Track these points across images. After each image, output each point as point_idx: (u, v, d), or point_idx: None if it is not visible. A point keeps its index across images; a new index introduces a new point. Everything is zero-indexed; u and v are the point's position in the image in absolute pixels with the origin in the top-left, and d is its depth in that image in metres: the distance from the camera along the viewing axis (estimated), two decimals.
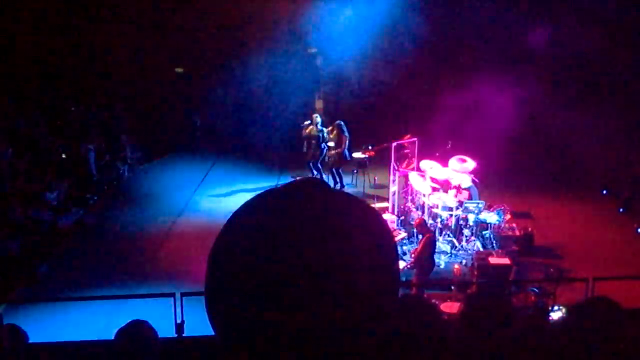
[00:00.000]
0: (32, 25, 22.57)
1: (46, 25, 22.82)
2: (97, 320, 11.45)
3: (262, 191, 1.67)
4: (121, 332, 4.06)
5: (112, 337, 4.17)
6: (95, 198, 18.67)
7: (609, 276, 11.17)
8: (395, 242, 1.69)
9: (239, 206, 1.67)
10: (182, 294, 8.06)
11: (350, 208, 1.64)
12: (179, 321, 7.82)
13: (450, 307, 12.03)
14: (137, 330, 4.04)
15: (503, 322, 3.82)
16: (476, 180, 16.20)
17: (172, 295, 8.07)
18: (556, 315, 8.41)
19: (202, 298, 1.75)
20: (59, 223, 16.80)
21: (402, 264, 14.21)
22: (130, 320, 4.13)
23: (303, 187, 1.67)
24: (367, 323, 1.54)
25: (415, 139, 17.45)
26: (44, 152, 18.99)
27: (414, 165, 16.97)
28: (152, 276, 14.41)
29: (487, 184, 17.34)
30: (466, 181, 15.94)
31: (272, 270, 1.53)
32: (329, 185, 1.69)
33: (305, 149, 20.07)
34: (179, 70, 25.23)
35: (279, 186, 1.67)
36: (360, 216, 1.63)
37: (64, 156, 18.98)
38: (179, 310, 8.03)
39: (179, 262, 15.14)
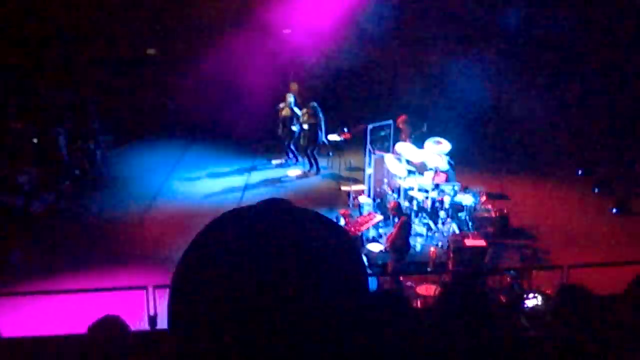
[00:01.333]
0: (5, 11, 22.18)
1: (14, 6, 22.42)
2: (69, 311, 11.33)
3: (227, 212, 1.60)
4: (93, 327, 3.97)
5: (85, 331, 4.08)
6: (67, 182, 18.45)
7: (584, 262, 11.18)
8: (363, 264, 1.64)
9: (203, 228, 1.60)
10: (155, 287, 7.96)
11: (317, 228, 1.58)
12: (151, 314, 7.73)
13: (427, 290, 12.06)
14: (109, 326, 3.95)
15: (478, 312, 3.79)
16: (452, 162, 16.20)
17: (144, 288, 7.96)
18: (531, 302, 8.41)
19: None
20: (31, 208, 16.62)
21: (377, 247, 14.23)
22: (102, 316, 4.04)
23: (269, 208, 1.61)
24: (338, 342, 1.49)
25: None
26: (14, 136, 18.72)
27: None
28: (127, 261, 14.28)
29: (463, 165, 17.36)
30: (443, 163, 15.94)
31: (238, 295, 1.46)
32: (294, 206, 1.64)
33: (280, 131, 19.99)
34: (151, 51, 24.91)
35: (244, 208, 1.61)
36: (328, 236, 1.57)
37: (34, 140, 18.71)
38: (152, 302, 7.93)
39: (154, 246, 15.03)
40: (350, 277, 1.52)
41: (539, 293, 8.75)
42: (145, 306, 7.86)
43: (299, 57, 24.64)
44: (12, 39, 22.18)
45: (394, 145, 16.71)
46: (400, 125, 17.37)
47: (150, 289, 7.85)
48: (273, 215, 1.56)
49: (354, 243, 1.62)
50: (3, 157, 17.52)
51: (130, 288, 8.72)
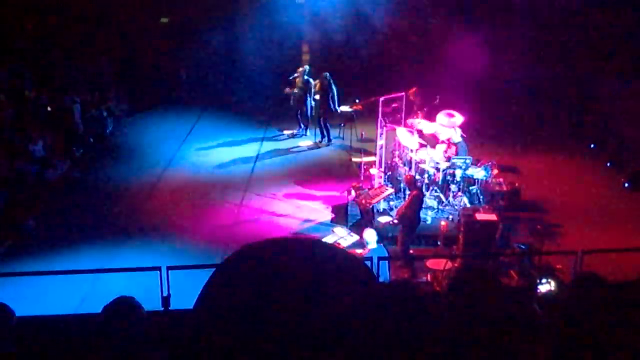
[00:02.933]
0: None
1: None
2: (83, 285, 11.50)
3: (241, 250, 1.69)
4: (107, 308, 4.03)
5: (99, 310, 4.15)
6: (81, 151, 18.55)
7: (598, 248, 11.15)
8: (378, 289, 1.72)
9: (224, 260, 1.68)
10: (168, 268, 8.03)
11: (332, 262, 1.67)
12: (165, 295, 7.81)
13: (437, 264, 12.13)
14: (124, 307, 4.01)
15: (491, 299, 3.82)
16: (464, 135, 16.15)
17: (158, 269, 8.03)
18: (544, 288, 8.43)
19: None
20: (45, 176, 16.72)
21: (387, 219, 14.27)
22: (117, 297, 4.10)
23: (283, 246, 1.70)
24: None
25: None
26: (29, 104, 18.79)
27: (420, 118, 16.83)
28: (140, 230, 14.41)
29: (475, 139, 17.32)
30: (455, 136, 15.89)
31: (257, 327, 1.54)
32: (308, 242, 1.74)
33: (292, 102, 19.97)
34: (164, 20, 24.84)
35: (257, 244, 1.70)
36: (342, 269, 1.65)
37: (49, 109, 18.77)
38: (165, 284, 8.01)
39: (166, 215, 15.17)
40: (363, 297, 1.58)
41: (552, 277, 8.75)
42: (159, 287, 7.93)
43: (312, 27, 24.52)
44: (29, 8, 22.17)
45: (405, 117, 16.66)
46: (412, 97, 17.33)
47: (164, 270, 7.91)
48: (286, 252, 1.64)
49: (363, 266, 1.71)
50: (18, 125, 17.58)
51: (143, 269, 8.78)
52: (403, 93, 17.04)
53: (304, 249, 1.72)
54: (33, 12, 22.35)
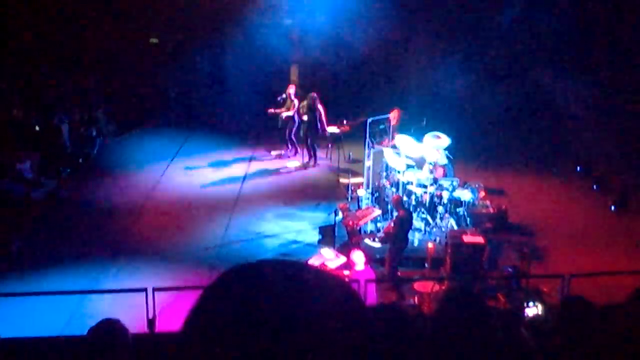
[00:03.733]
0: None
1: None
2: (69, 306, 11.42)
3: (228, 271, 1.71)
4: (93, 331, 4.00)
5: (85, 332, 4.12)
6: (69, 171, 18.49)
7: (585, 272, 11.20)
8: (361, 306, 1.74)
9: (213, 281, 1.68)
10: (154, 289, 7.98)
11: (321, 285, 1.68)
12: (150, 317, 7.75)
13: (424, 286, 12.11)
14: (109, 329, 3.99)
15: (479, 323, 3.82)
16: (451, 157, 16.21)
17: (144, 290, 7.98)
18: (531, 311, 8.43)
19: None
20: (32, 196, 16.65)
21: (375, 241, 14.27)
22: (102, 319, 4.07)
23: (267, 268, 1.72)
24: None
25: (397, 111, 17.36)
26: (17, 123, 18.73)
27: (389, 141, 16.92)
28: (126, 251, 14.33)
29: (461, 160, 17.36)
30: (442, 158, 15.95)
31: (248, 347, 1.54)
32: (293, 264, 1.77)
33: (280, 123, 20.00)
34: (154, 40, 24.87)
35: (245, 266, 1.71)
36: (330, 291, 1.67)
37: (37, 128, 18.73)
38: (151, 305, 7.96)
39: (153, 236, 15.11)
40: (350, 321, 1.59)
41: (539, 301, 8.76)
42: (145, 308, 7.88)
43: (300, 48, 24.63)
44: (16, 27, 22.14)
45: (392, 139, 16.71)
46: (392, 118, 17.29)
47: (150, 291, 7.86)
48: (275, 273, 1.65)
49: (350, 288, 1.71)
50: (5, 144, 17.52)
51: (130, 290, 8.73)
52: (390, 114, 17.12)
53: (289, 272, 1.72)
54: (20, 30, 22.31)
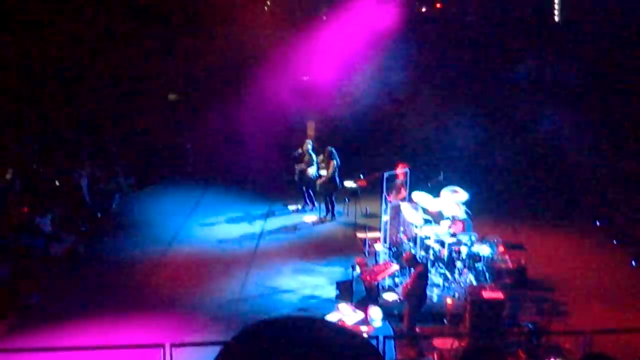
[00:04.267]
0: (27, 52, 22.57)
1: (40, 52, 22.81)
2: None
3: (248, 327, 1.73)
4: None
5: None
6: (88, 225, 18.58)
7: (606, 328, 11.07)
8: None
9: (236, 334, 1.71)
10: (172, 345, 7.95)
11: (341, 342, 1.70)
12: None
13: (443, 343, 12.00)
14: None
15: None
16: (469, 211, 16.18)
17: (162, 346, 7.95)
18: None
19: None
20: (51, 250, 16.71)
21: (393, 297, 14.18)
22: None
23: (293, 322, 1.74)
24: None
25: (407, 168, 17.39)
26: (37, 178, 18.92)
27: (404, 195, 16.91)
28: (144, 306, 14.32)
29: (480, 215, 17.32)
30: (460, 212, 15.92)
31: None
32: (317, 321, 1.78)
33: (297, 177, 20.09)
34: (172, 97, 25.20)
35: (264, 322, 1.74)
36: (348, 348, 1.69)
37: (57, 183, 18.90)
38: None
39: (171, 291, 15.11)
40: None
41: (561, 358, 8.66)
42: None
43: (317, 103, 24.92)
44: (36, 83, 22.54)
45: (410, 193, 16.71)
46: (400, 173, 17.27)
47: (168, 347, 7.83)
48: (296, 328, 1.66)
49: (369, 345, 1.72)
50: (25, 199, 17.68)
51: (147, 346, 8.70)
52: (407, 169, 17.16)
53: (309, 328, 1.72)
54: (42, 86, 22.70)
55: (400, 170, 17.25)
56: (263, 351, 1.66)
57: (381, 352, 9.59)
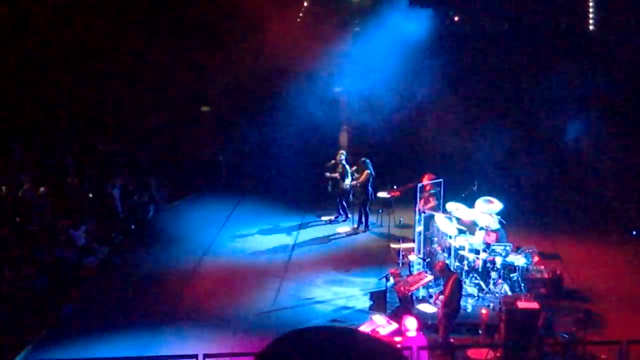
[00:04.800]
0: (61, 66, 22.87)
1: (73, 65, 23.10)
2: None
3: (281, 338, 1.69)
4: None
5: None
6: (121, 237, 18.70)
7: None
8: None
9: (268, 345, 1.67)
10: (205, 356, 7.93)
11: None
12: None
13: (478, 354, 11.86)
14: None
15: None
16: (503, 221, 16.02)
17: (195, 357, 7.94)
18: None
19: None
20: (85, 262, 16.83)
21: (428, 308, 14.07)
22: None
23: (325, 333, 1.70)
24: None
25: (435, 178, 17.26)
26: (71, 190, 19.10)
27: (434, 204, 16.76)
28: (177, 318, 14.35)
29: (514, 225, 17.13)
30: (494, 223, 15.76)
31: None
32: (351, 332, 1.75)
33: (330, 188, 20.04)
34: (205, 108, 25.36)
35: (297, 333, 1.70)
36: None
37: (90, 195, 19.07)
38: None
39: (204, 302, 15.12)
40: None
41: None
42: None
43: (350, 114, 24.96)
44: (69, 96, 22.80)
45: (444, 203, 16.58)
46: (426, 183, 17.12)
47: (201, 358, 7.82)
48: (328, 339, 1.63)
49: (403, 357, 1.69)
50: (60, 212, 17.86)
51: (181, 357, 8.70)
52: (441, 179, 17.04)
53: (343, 339, 1.69)
54: (73, 99, 22.96)
55: (427, 181, 17.10)
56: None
57: None
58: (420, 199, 16.74)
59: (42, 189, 18.05)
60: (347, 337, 1.72)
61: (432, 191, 17.05)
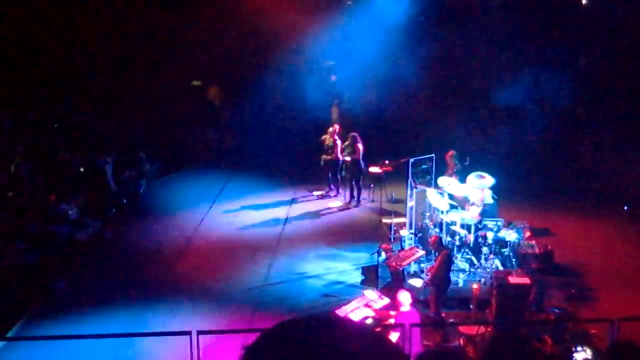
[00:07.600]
0: (53, 42, 22.69)
1: (64, 41, 22.91)
2: (112, 348, 11.46)
3: (282, 323, 1.68)
4: None
5: None
6: (113, 211, 18.67)
7: (635, 315, 10.90)
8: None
9: (260, 335, 1.65)
10: (199, 332, 7.91)
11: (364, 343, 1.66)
12: None
13: (470, 328, 11.91)
14: None
15: None
16: (495, 197, 16.03)
17: (189, 333, 7.92)
18: (580, 356, 8.20)
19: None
20: (77, 236, 16.81)
21: (419, 282, 14.12)
22: None
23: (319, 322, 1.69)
24: None
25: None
26: (62, 165, 19.02)
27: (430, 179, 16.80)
28: (169, 292, 14.36)
29: (506, 200, 17.17)
30: (487, 197, 15.77)
31: None
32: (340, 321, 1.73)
33: (322, 163, 20.03)
34: (196, 83, 25.22)
35: (290, 324, 1.69)
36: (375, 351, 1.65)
37: (81, 170, 18.99)
38: (195, 349, 7.89)
39: (196, 278, 15.12)
40: None
41: (588, 345, 8.53)
42: (189, 350, 7.83)
43: (340, 89, 24.88)
44: (59, 71, 22.63)
45: (435, 178, 16.59)
46: (448, 160, 17.25)
47: (194, 334, 7.80)
48: (323, 328, 1.62)
49: (397, 349, 1.69)
50: (51, 186, 17.79)
51: (174, 333, 8.69)
52: (433, 154, 17.03)
53: (335, 328, 1.67)
54: (65, 74, 22.79)
55: (425, 157, 17.13)
56: (288, 352, 1.61)
57: (408, 338, 9.54)
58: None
59: (28, 163, 17.94)
60: (340, 326, 1.70)
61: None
